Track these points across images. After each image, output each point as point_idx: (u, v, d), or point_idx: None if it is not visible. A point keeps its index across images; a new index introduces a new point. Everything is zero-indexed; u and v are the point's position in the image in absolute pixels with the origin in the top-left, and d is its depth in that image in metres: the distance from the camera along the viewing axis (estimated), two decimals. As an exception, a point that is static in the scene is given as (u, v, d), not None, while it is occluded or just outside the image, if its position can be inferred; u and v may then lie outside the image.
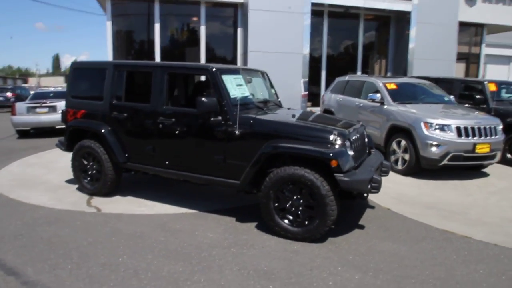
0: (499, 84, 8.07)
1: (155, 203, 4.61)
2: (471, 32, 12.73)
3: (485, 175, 6.41)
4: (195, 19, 10.43)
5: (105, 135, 4.58)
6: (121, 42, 10.42)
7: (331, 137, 3.61)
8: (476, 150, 5.81)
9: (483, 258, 3.37)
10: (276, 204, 3.67)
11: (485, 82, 7.90)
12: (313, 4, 10.34)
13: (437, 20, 11.25)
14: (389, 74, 12.08)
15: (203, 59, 10.53)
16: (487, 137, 5.91)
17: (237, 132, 3.85)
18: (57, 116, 8.04)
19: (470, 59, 13.29)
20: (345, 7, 10.96)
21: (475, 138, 5.82)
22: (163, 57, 10.26)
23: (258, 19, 9.89)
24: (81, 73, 5.05)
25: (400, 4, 11.07)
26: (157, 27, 10.10)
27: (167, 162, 4.32)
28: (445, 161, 5.81)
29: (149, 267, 3.06)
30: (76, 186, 5.09)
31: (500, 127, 6.18)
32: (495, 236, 3.85)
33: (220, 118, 3.93)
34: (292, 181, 3.55)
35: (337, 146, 3.56)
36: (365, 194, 3.82)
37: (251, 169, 3.75)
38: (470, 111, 6.76)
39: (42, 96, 10.61)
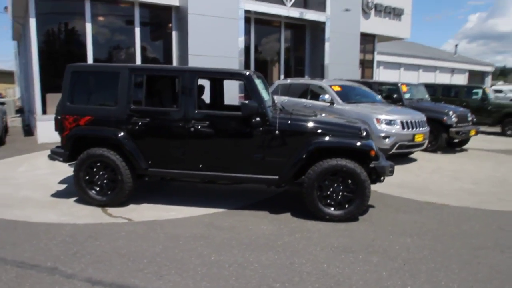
0: (407, 85, 9.99)
1: (178, 207, 4.63)
2: (366, 41, 15.05)
3: (414, 160, 7.98)
4: (129, 20, 9.97)
5: (123, 141, 4.41)
6: (46, 43, 9.31)
7: (361, 131, 4.32)
8: (415, 139, 7.28)
9: (470, 217, 4.51)
10: (319, 193, 4.20)
11: (399, 84, 9.70)
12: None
13: (345, 30, 13.04)
14: (306, 77, 13.46)
15: (138, 61, 10.15)
16: (421, 128, 7.45)
17: (277, 131, 4.24)
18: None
19: (365, 64, 15.68)
20: (272, 15, 11.86)
21: (414, 129, 7.27)
22: (95, 60, 9.55)
23: (197, 23, 10.03)
24: (82, 77, 4.67)
25: (316, 15, 12.49)
26: (88, 27, 9.36)
27: (200, 165, 4.42)
28: (393, 150, 7.11)
29: (248, 259, 3.28)
30: (69, 199, 4.76)
31: (425, 120, 7.82)
32: (462, 202, 5.09)
33: (259, 119, 4.25)
34: (334, 171, 4.14)
35: (365, 138, 4.29)
36: (382, 178, 4.63)
37: (297, 164, 4.20)
38: (402, 108, 8.31)
39: None
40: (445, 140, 8.72)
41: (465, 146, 9.47)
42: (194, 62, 9.97)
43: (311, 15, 12.42)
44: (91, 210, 4.49)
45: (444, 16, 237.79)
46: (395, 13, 15.34)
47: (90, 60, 9.43)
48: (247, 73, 4.35)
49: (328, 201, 4.23)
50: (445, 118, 8.58)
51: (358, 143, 4.18)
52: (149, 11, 10.35)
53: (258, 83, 4.47)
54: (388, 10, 15.05)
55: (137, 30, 10.05)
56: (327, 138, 4.21)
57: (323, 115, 5.06)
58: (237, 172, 4.40)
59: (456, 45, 36.47)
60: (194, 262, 3.21)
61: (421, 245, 3.66)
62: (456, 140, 9.18)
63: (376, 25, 14.84)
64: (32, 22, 8.69)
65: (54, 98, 9.22)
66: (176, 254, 3.36)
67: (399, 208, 4.78)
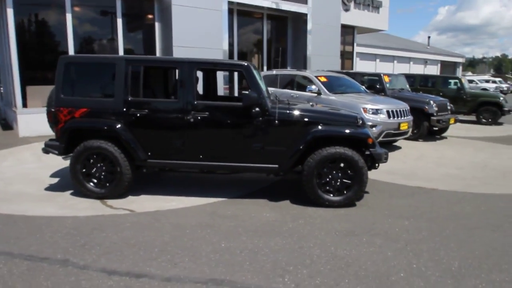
0: (389, 76, 10.27)
1: (177, 197, 4.65)
2: (346, 32, 15.28)
3: (399, 148, 8.26)
4: (111, 11, 9.72)
5: (122, 132, 4.37)
6: (25, 34, 8.95)
7: (357, 120, 4.46)
8: (400, 128, 7.53)
9: (459, 200, 4.75)
10: (318, 180, 4.32)
11: (382, 75, 9.96)
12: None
13: (326, 21, 13.19)
14: (289, 68, 13.57)
15: (121, 53, 9.94)
16: (405, 117, 7.71)
17: (276, 121, 4.32)
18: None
19: (345, 56, 15.93)
20: (254, 6, 11.85)
21: (399, 118, 7.52)
22: (77, 51, 9.29)
23: (181, 14, 9.90)
24: (76, 68, 4.56)
25: (298, 7, 12.57)
26: (68, 18, 9.06)
27: (200, 155, 4.44)
28: (380, 138, 7.33)
29: (257, 245, 3.36)
30: (65, 192, 4.73)
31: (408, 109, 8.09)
32: (450, 186, 5.34)
33: (258, 109, 4.31)
34: (333, 158, 4.26)
35: (362, 127, 4.43)
36: (377, 165, 4.79)
37: (297, 152, 4.29)
38: (386, 97, 8.55)
39: None
40: (426, 128, 9.06)
41: (445, 134, 9.86)
42: (178, 53, 9.87)
43: (293, 6, 12.48)
44: (90, 202, 4.45)
45: (415, 9, 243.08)
46: (374, 5, 15.64)
47: (71, 51, 9.16)
48: (246, 64, 4.39)
49: (327, 187, 4.36)
50: (426, 107, 8.90)
51: (357, 131, 4.31)
52: (131, 1, 10.13)
53: (256, 74, 4.52)
54: (367, 2, 15.33)
55: (119, 21, 9.82)
56: (326, 127, 4.32)
57: (318, 105, 5.17)
58: (237, 162, 4.46)
59: (429, 37, 37.56)
60: (205, 250, 3.26)
61: (419, 227, 3.84)
62: (436, 128, 9.55)
63: (355, 17, 15.09)
64: (10, 12, 8.34)
65: (35, 91, 8.98)
66: (185, 243, 3.40)
67: (392, 193, 4.98)
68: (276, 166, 4.43)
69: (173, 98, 4.57)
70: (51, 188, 5.02)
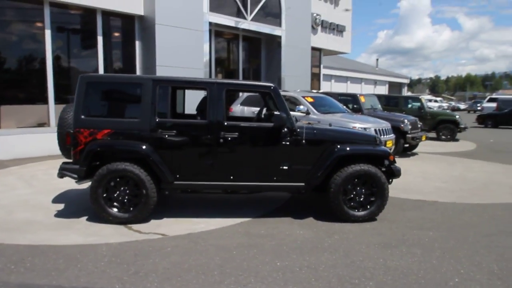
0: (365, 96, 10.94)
1: (202, 219, 4.60)
2: (313, 54, 15.98)
3: (381, 163, 8.75)
4: (91, 29, 9.43)
5: (150, 154, 4.29)
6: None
7: (376, 139, 4.76)
8: (386, 145, 8.02)
9: (462, 210, 5.19)
10: (343, 197, 4.52)
11: (358, 95, 10.58)
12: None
13: (298, 44, 13.77)
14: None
15: (101, 71, 9.63)
16: (389, 135, 8.24)
17: (303, 141, 4.49)
18: None
19: (312, 77, 16.62)
20: (231, 27, 12.09)
21: (384, 136, 8.03)
22: (56, 69, 8.87)
23: (164, 34, 9.85)
24: (98, 88, 4.42)
25: (273, 29, 13.01)
26: (48, 34, 8.65)
27: (229, 175, 4.46)
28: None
29: (311, 261, 3.45)
30: (80, 219, 4.52)
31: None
32: (446, 198, 5.80)
33: (286, 130, 4.46)
34: (358, 175, 4.50)
35: (380, 145, 4.74)
36: (391, 180, 5.08)
37: (326, 170, 4.47)
38: (370, 117, 9.08)
39: None
40: (402, 145, 9.72)
41: (415, 150, 10.61)
42: (162, 72, 9.77)
43: (268, 29, 12.92)
44: (114, 228, 4.26)
45: (357, 32, 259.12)
46: (338, 29, 16.61)
47: (49, 68, 8.73)
48: (273, 86, 4.54)
49: (352, 203, 4.57)
50: (402, 125, 9.58)
51: (380, 149, 4.61)
52: (112, 19, 9.92)
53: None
54: (332, 26, 16.25)
55: (100, 39, 9.56)
56: (351, 146, 4.56)
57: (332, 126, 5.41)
58: (265, 181, 4.54)
59: (377, 59, 40.22)
60: (264, 269, 3.29)
61: (444, 236, 4.16)
62: (407, 145, 10.26)
63: (322, 40, 15.90)
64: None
65: (10, 111, 8.42)
66: (240, 264, 3.40)
67: (402, 207, 5.30)
68: (303, 184, 4.57)
69: (199, 119, 4.57)
70: (61, 214, 4.73)
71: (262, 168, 4.52)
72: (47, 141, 8.66)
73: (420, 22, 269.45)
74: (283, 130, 4.44)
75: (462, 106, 46.12)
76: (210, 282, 3.05)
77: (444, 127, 13.31)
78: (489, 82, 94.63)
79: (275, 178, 4.54)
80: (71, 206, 5.04)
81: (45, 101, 8.84)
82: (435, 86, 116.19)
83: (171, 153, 4.40)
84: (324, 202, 4.76)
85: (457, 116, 13.72)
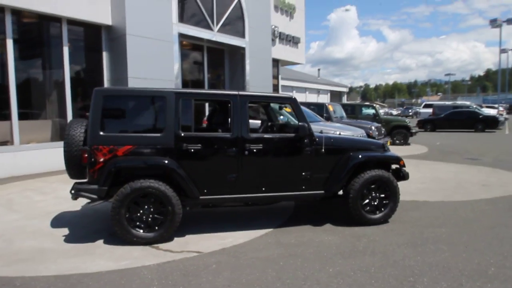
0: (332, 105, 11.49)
1: (226, 233, 4.54)
2: (272, 65, 16.39)
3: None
4: (56, 38, 8.80)
5: (176, 170, 4.16)
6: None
7: (384, 146, 5.09)
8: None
9: (455, 207, 5.70)
10: (361, 200, 4.76)
11: (327, 104, 11.08)
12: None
13: (259, 55, 14.02)
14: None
15: (67, 83, 9.00)
16: (366, 141, 8.75)
17: (322, 150, 4.66)
18: None
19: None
20: (196, 38, 12.02)
21: (363, 142, 8.51)
22: (20, 83, 8.12)
23: (135, 45, 9.51)
24: (117, 102, 4.19)
25: (237, 40, 13.15)
26: (9, 44, 7.91)
27: (253, 188, 4.47)
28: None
29: (359, 265, 3.59)
30: (96, 242, 4.24)
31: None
32: (434, 198, 6.32)
33: (307, 140, 4.60)
34: (373, 180, 4.77)
35: (388, 151, 5.08)
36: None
37: (345, 177, 4.67)
38: (345, 125, 9.55)
39: None
40: (371, 150, 10.34)
41: (380, 154, 11.33)
42: (134, 84, 9.42)
43: (232, 40, 13.03)
44: (140, 249, 4.05)
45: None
46: (294, 41, 17.23)
47: (12, 82, 7.98)
48: (294, 97, 4.67)
49: (367, 208, 4.82)
50: (371, 132, 10.22)
51: (393, 155, 4.93)
52: (78, 29, 9.36)
53: (296, 106, 4.82)
54: (289, 38, 16.82)
55: (65, 50, 8.97)
56: (366, 153, 4.82)
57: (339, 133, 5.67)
58: (289, 191, 4.62)
59: (319, 69, 42.18)
60: (322, 276, 3.36)
61: (456, 232, 4.56)
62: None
63: (280, 51, 16.39)
64: None
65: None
66: (296, 274, 3.43)
67: (402, 208, 5.65)
68: (322, 192, 4.73)
69: (220, 131, 4.53)
70: (71, 240, 4.37)
71: (285, 178, 4.60)
72: (12, 161, 7.91)
73: (348, 34, 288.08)
74: (305, 140, 4.57)
75: (395, 112, 50.04)
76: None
77: (398, 133, 14.38)
78: (415, 90, 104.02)
79: (298, 188, 4.64)
80: (76, 230, 4.68)
81: (7, 117, 8.05)
82: (366, 94, 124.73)
83: (196, 168, 4.31)
84: (330, 207, 4.95)
85: (408, 122, 14.91)
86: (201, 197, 4.35)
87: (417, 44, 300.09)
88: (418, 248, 4.04)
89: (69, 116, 9.03)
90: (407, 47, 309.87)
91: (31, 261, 3.78)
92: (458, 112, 21.77)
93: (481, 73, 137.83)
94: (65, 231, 4.68)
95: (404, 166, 5.04)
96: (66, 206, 5.77)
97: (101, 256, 3.89)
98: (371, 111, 15.06)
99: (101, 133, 4.10)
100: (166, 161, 4.15)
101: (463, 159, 10.85)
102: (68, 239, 4.41)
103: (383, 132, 11.16)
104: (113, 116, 4.22)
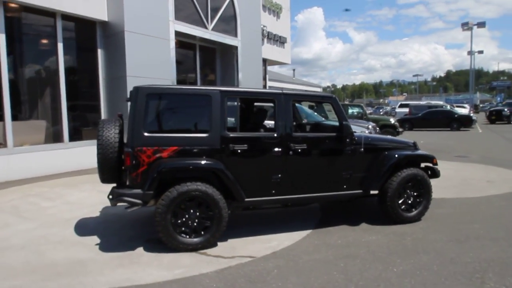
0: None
1: (267, 236, 4.44)
2: (259, 65, 16.36)
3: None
4: (51, 34, 8.28)
5: (225, 172, 4.01)
6: None
7: (414, 144, 5.17)
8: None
9: (473, 204, 5.87)
10: (397, 199, 4.80)
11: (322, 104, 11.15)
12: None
13: (251, 54, 13.93)
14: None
15: (62, 80, 8.50)
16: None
17: (362, 149, 4.66)
18: None
19: (258, 86, 16.96)
20: (189, 36, 11.76)
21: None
22: (12, 79, 7.56)
23: (133, 42, 9.15)
24: (161, 101, 3.97)
25: (230, 39, 12.98)
26: (2, 38, 7.36)
27: (296, 188, 4.39)
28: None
29: (418, 263, 3.60)
30: (135, 251, 4.02)
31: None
32: (448, 195, 6.48)
33: (348, 139, 4.58)
34: (410, 178, 4.82)
35: (418, 149, 5.16)
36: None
37: (384, 176, 4.68)
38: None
39: None
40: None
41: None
42: (132, 83, 9.01)
43: (225, 39, 12.85)
44: (188, 256, 3.87)
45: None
46: (281, 41, 17.27)
47: (5, 80, 7.44)
48: (334, 96, 4.63)
49: (403, 206, 4.87)
50: (367, 131, 10.39)
51: (427, 154, 5.01)
52: (72, 25, 8.87)
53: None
54: (276, 38, 16.84)
55: (60, 46, 8.47)
56: (402, 152, 4.87)
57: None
58: (332, 191, 4.59)
59: (294, 70, 42.58)
60: (390, 277, 3.34)
61: (490, 227, 4.69)
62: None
63: (268, 51, 16.36)
64: None
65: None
66: (364, 275, 3.39)
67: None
68: (360, 191, 4.73)
69: (262, 131, 4.41)
70: (107, 248, 4.11)
71: (328, 178, 4.56)
72: (5, 164, 7.39)
73: (316, 35, 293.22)
74: (347, 140, 4.55)
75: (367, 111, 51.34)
76: None
77: (386, 131, 14.75)
78: (382, 90, 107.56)
79: (340, 187, 4.61)
80: (108, 238, 4.42)
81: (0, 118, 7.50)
82: (334, 94, 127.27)
83: (241, 169, 4.17)
84: (357, 206, 4.95)
85: (393, 121, 15.33)
86: (246, 200, 4.22)
87: (382, 45, 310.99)
88: (464, 244, 4.12)
89: (64, 116, 8.55)
90: (372, 48, 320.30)
91: (73, 274, 3.51)
92: (434, 111, 22.66)
93: (442, 74, 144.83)
94: (95, 239, 4.40)
95: (436, 164, 5.13)
96: (82, 213, 5.44)
97: (150, 265, 3.68)
98: (358, 111, 15.36)
99: (146, 134, 3.88)
100: (215, 163, 3.99)
101: (453, 156, 11.27)
102: (103, 247, 4.14)
103: (377, 131, 11.41)
104: (157, 115, 4.00)
